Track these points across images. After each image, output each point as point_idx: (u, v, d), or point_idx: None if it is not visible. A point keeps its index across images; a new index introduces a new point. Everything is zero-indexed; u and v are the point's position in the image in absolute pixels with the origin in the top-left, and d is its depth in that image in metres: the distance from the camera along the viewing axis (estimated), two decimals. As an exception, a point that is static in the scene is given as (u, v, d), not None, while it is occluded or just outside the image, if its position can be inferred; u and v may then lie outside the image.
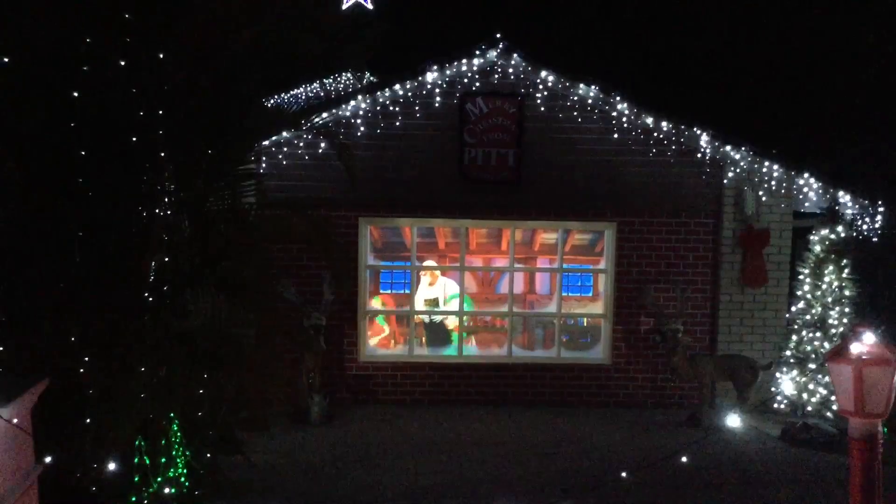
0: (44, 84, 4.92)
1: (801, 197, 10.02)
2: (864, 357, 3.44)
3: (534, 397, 9.94)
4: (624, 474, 5.86)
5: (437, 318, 10.63)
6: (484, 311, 10.96)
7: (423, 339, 10.62)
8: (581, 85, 9.67)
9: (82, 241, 5.01)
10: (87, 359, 4.90)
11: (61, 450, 4.68)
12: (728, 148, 9.77)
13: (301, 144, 9.56)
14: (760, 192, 9.87)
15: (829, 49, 17.24)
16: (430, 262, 10.73)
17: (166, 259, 5.40)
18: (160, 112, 5.27)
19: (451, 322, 10.60)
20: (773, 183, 9.87)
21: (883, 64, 15.20)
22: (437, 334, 10.56)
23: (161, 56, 5.25)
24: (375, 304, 10.42)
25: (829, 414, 8.73)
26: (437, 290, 10.65)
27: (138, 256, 5.28)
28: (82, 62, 4.99)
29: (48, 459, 4.14)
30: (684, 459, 6.49)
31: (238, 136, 6.05)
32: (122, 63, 5.11)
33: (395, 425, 8.76)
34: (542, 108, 9.77)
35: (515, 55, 9.63)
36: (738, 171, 9.87)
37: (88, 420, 4.94)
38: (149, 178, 5.32)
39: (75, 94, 4.93)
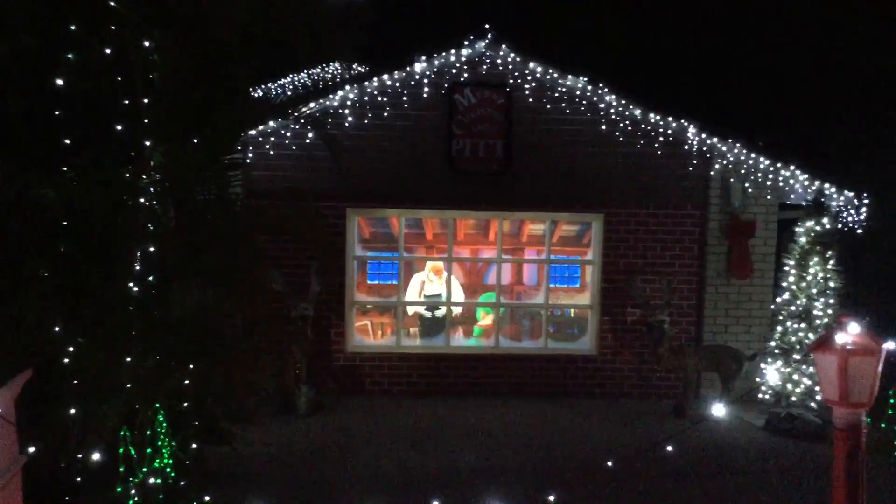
0: (27, 71, 4.87)
1: (786, 189, 10.08)
2: (848, 347, 3.46)
3: (521, 388, 9.97)
4: (610, 463, 5.89)
5: (440, 312, 10.55)
6: (471, 301, 10.96)
7: (417, 330, 10.62)
8: (569, 76, 9.68)
9: (66, 230, 4.98)
10: (71, 349, 4.87)
11: (46, 440, 4.65)
12: (715, 140, 9.82)
13: (288, 135, 9.51)
14: (746, 184, 9.92)
15: (816, 42, 17.33)
16: (435, 258, 10.68)
17: (152, 249, 5.36)
18: (145, 101, 5.23)
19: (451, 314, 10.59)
20: (759, 175, 9.92)
21: (868, 59, 15.30)
22: (434, 328, 10.54)
23: (146, 44, 5.21)
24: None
25: (812, 404, 8.80)
26: (440, 286, 10.58)
27: (123, 246, 5.24)
28: (67, 49, 4.94)
29: (32, 450, 4.11)
30: (670, 449, 6.54)
31: (224, 125, 6.00)
32: (108, 51, 5.07)
33: (381, 416, 8.77)
34: (531, 100, 9.77)
35: (504, 46, 9.62)
36: (724, 162, 9.92)
37: (73, 410, 4.91)
38: (134, 167, 5.28)
39: (59, 82, 4.89)
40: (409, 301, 10.49)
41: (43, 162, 4.90)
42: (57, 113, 4.92)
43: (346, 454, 7.23)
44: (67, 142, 4.94)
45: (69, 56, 4.96)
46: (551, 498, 5.54)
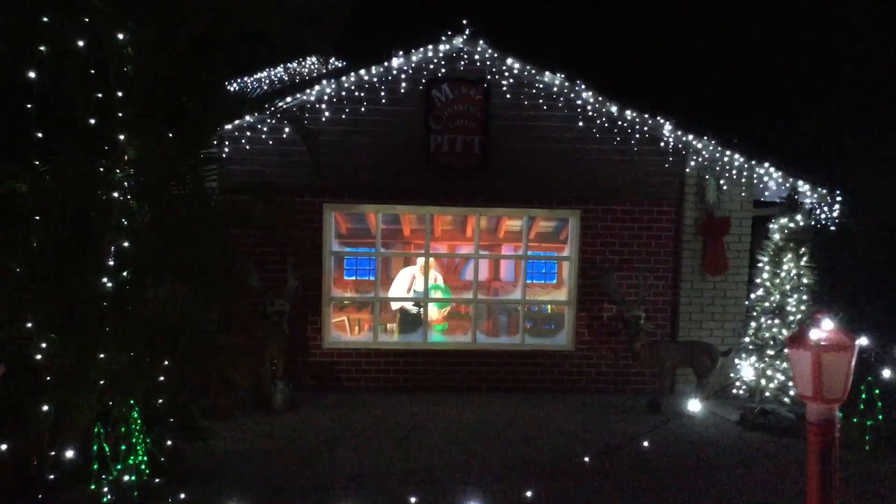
0: (-1, 63, 4.81)
1: (761, 186, 10.17)
2: (822, 343, 3.49)
3: (498, 383, 9.99)
4: (586, 459, 5.92)
5: (421, 308, 10.54)
6: (448, 297, 10.96)
7: (396, 326, 10.57)
8: (546, 72, 9.69)
9: (39, 224, 4.91)
10: (44, 345, 4.81)
11: (18, 437, 4.60)
12: (690, 137, 9.87)
13: (265, 129, 9.45)
14: (721, 181, 10.00)
15: (788, 40, 17.49)
16: (412, 254, 10.65)
17: (126, 244, 5.31)
18: (119, 94, 5.17)
19: (432, 312, 10.56)
20: (733, 172, 10.00)
21: (841, 56, 15.45)
22: (413, 324, 10.51)
23: (120, 37, 5.15)
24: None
25: (786, 399, 8.89)
26: (431, 281, 10.54)
27: (97, 241, 5.18)
28: (39, 41, 4.87)
29: (5, 447, 4.06)
30: (645, 444, 6.58)
31: (200, 119, 5.95)
32: (81, 43, 5.00)
33: (358, 412, 8.74)
34: (508, 96, 9.77)
35: (481, 42, 9.61)
36: (699, 159, 9.99)
37: (46, 407, 4.85)
38: (108, 161, 5.22)
39: (32, 74, 4.82)
40: (394, 297, 10.44)
41: (15, 155, 4.84)
42: (29, 106, 4.85)
43: (323, 451, 7.20)
44: (40, 135, 4.88)
45: (42, 48, 4.89)
46: (528, 493, 5.56)
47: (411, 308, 10.60)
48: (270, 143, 9.48)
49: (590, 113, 9.85)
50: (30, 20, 4.87)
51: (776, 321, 9.16)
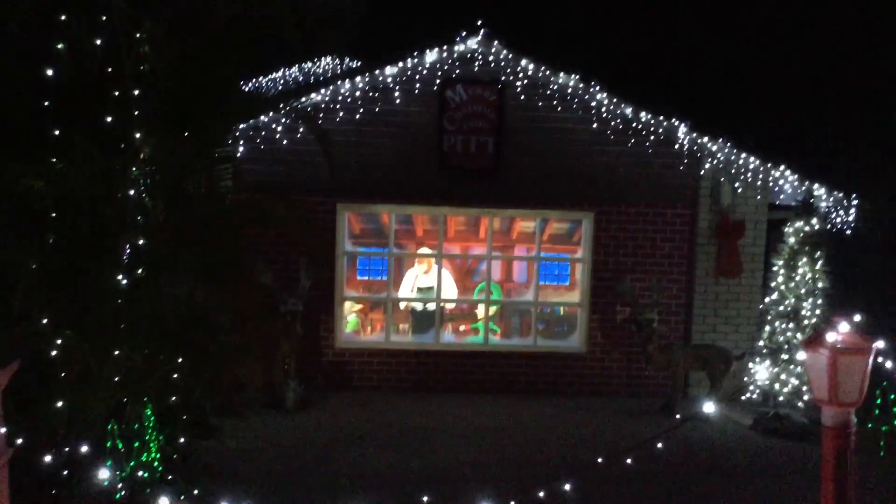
0: (16, 61, 4.83)
1: (776, 189, 10.11)
2: (838, 346, 3.47)
3: (509, 385, 9.97)
4: (599, 461, 5.90)
5: (431, 306, 10.53)
6: (461, 298, 10.95)
7: (409, 326, 10.56)
8: (561, 74, 9.67)
9: (55, 221, 4.94)
10: (59, 341, 4.83)
11: (33, 433, 4.62)
12: (705, 139, 9.83)
13: (279, 129, 9.47)
14: (736, 184, 9.95)
15: (806, 43, 17.40)
16: (425, 250, 10.65)
17: (141, 241, 5.33)
18: (136, 92, 5.19)
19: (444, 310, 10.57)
20: (749, 175, 9.95)
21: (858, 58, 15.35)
22: (424, 322, 10.51)
23: (137, 35, 5.17)
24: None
25: (800, 404, 8.84)
26: (432, 279, 10.57)
27: (112, 238, 5.20)
28: (56, 39, 4.90)
29: (19, 442, 4.09)
30: (658, 447, 6.55)
31: (215, 118, 5.97)
32: (98, 41, 5.03)
33: (370, 411, 8.75)
34: (522, 97, 9.76)
35: (496, 43, 9.61)
36: (714, 162, 9.94)
37: (60, 403, 4.88)
38: (124, 158, 5.24)
39: (49, 72, 4.85)
40: (402, 297, 10.43)
41: (32, 152, 4.87)
42: (46, 103, 4.88)
43: (334, 450, 7.21)
44: (56, 132, 4.91)
45: (59, 46, 4.92)
46: (540, 494, 5.54)
47: (417, 306, 10.58)
48: (285, 142, 9.50)
49: (604, 114, 9.82)
50: (47, 18, 4.89)
51: (791, 325, 9.11)
